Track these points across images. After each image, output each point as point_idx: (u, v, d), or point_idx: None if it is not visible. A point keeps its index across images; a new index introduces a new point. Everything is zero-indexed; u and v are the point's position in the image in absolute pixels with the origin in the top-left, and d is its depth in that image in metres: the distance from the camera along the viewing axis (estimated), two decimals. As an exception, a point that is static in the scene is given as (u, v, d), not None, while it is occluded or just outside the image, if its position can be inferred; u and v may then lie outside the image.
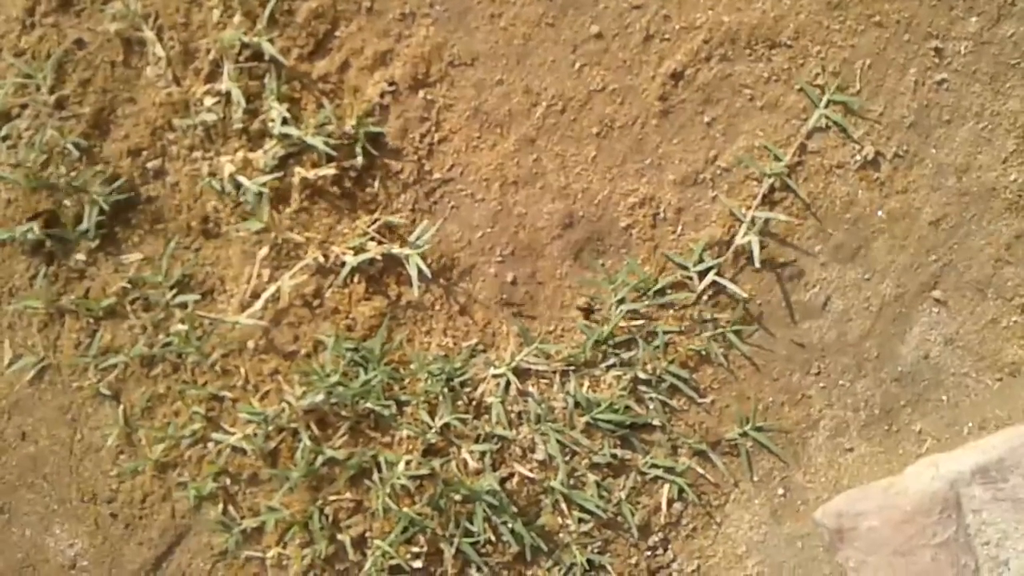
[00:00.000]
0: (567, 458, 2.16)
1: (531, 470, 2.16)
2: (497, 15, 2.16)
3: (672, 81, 2.16)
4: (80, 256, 2.18)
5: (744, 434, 2.19)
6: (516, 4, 2.15)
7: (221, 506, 2.18)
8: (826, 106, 2.15)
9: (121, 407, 2.19)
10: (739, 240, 2.16)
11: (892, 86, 2.16)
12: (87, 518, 2.21)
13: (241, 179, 2.12)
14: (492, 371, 2.16)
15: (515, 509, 2.14)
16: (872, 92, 2.16)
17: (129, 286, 2.18)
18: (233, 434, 2.15)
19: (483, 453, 2.14)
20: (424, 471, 2.12)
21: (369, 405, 2.12)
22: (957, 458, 2.12)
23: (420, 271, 2.12)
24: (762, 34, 2.14)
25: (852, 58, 2.16)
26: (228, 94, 2.13)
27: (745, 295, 2.17)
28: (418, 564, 2.12)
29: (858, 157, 2.17)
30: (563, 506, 2.16)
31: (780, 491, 2.22)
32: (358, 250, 2.14)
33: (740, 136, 2.17)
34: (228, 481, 2.18)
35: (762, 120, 2.17)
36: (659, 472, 2.17)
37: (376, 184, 2.16)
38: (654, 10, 2.15)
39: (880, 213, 2.18)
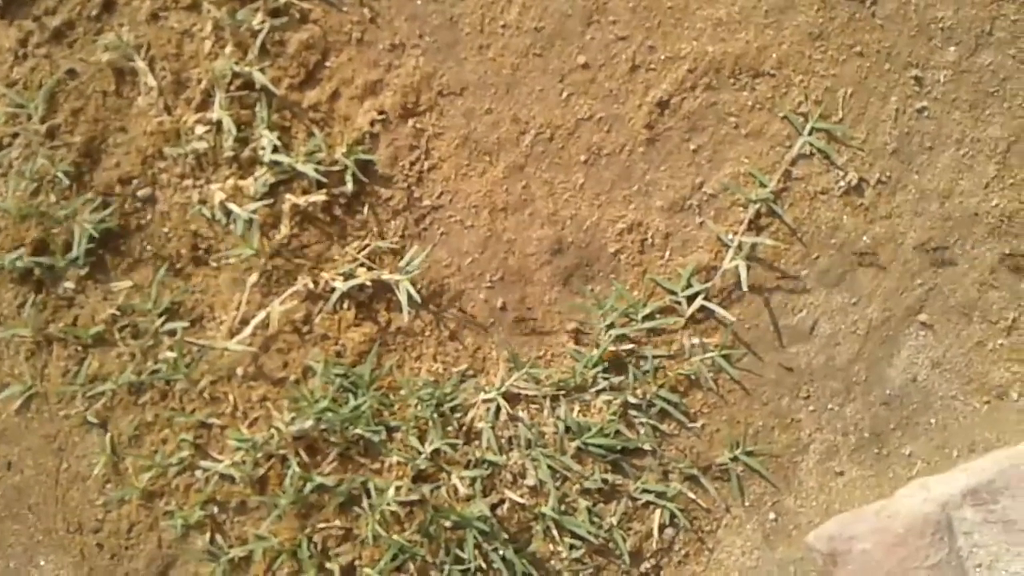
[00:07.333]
0: (558, 483, 2.15)
1: (522, 496, 2.14)
2: (486, 46, 2.19)
3: (658, 110, 2.19)
4: (69, 284, 2.18)
5: (735, 459, 2.19)
6: (504, 35, 2.19)
7: (208, 535, 2.15)
8: (810, 133, 2.18)
9: (108, 435, 2.17)
10: (726, 265, 2.18)
11: (874, 114, 2.20)
12: (73, 549, 2.18)
13: (231, 206, 2.13)
14: (482, 396, 2.16)
15: (506, 536, 2.13)
16: (855, 120, 2.20)
17: (118, 314, 2.17)
18: (221, 461, 2.13)
19: (473, 479, 2.12)
20: (414, 497, 2.10)
21: (359, 431, 2.11)
22: (948, 481, 2.12)
23: (410, 297, 2.12)
24: (746, 64, 2.18)
25: (834, 87, 2.20)
26: (219, 123, 2.15)
27: (733, 319, 2.18)
28: (408, 593, 2.11)
29: (842, 183, 2.20)
30: (554, 532, 2.14)
31: (772, 516, 2.21)
32: (348, 276, 2.15)
33: (726, 163, 2.20)
34: (216, 510, 2.15)
35: (747, 147, 2.20)
36: (650, 497, 2.16)
37: (366, 211, 2.18)
38: (639, 41, 2.19)
39: (865, 239, 2.21)
